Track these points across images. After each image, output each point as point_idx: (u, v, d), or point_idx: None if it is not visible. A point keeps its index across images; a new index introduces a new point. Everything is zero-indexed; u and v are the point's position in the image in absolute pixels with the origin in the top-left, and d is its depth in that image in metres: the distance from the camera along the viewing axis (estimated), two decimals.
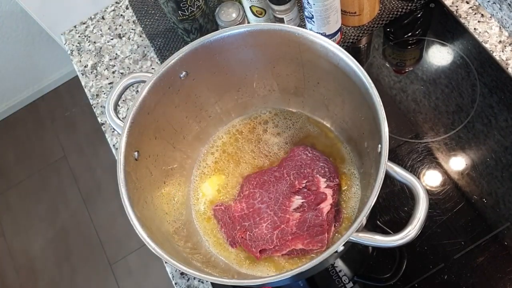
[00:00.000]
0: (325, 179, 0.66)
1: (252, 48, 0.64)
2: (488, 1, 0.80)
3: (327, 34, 0.78)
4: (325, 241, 0.63)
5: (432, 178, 0.71)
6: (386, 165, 0.51)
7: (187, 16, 0.80)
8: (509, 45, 0.78)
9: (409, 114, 0.77)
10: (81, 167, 2.01)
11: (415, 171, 0.72)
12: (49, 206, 1.93)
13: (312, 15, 0.74)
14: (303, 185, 0.67)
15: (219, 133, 0.76)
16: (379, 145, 0.52)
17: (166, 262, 0.64)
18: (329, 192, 0.66)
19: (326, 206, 0.65)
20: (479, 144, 0.72)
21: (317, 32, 0.65)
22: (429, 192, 0.69)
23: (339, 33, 0.80)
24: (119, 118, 0.63)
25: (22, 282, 1.81)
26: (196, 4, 0.79)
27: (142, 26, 0.96)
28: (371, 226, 0.69)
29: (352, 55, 0.57)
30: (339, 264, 0.68)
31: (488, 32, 0.80)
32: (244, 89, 0.73)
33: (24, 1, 1.60)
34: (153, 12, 0.96)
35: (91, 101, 0.93)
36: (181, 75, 0.64)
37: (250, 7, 0.83)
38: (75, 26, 1.02)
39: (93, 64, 0.96)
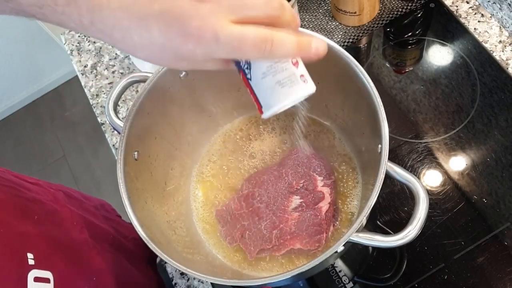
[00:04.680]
0: (322, 178, 0.66)
1: None
2: (488, 1, 0.80)
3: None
4: (323, 240, 0.63)
5: (432, 178, 0.71)
6: (386, 165, 0.51)
7: None
8: (509, 45, 0.78)
9: (409, 114, 0.77)
10: (81, 167, 2.01)
11: (415, 171, 0.72)
12: None
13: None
14: (301, 185, 0.67)
15: (219, 133, 0.76)
16: (379, 145, 0.52)
17: (166, 262, 0.64)
18: (326, 190, 0.66)
19: (324, 205, 0.65)
20: (479, 144, 0.72)
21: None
22: (429, 192, 0.69)
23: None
24: (119, 118, 0.63)
25: None
26: None
27: None
28: (371, 226, 0.69)
29: (352, 55, 0.57)
30: (339, 264, 0.68)
31: (488, 32, 0.80)
32: (244, 89, 0.72)
33: None
34: None
35: (91, 101, 0.93)
36: (181, 75, 0.64)
37: None
38: None
39: (93, 64, 0.96)
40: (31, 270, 0.50)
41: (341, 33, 0.86)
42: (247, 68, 0.41)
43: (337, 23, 0.86)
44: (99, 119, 0.91)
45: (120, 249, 0.72)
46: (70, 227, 0.64)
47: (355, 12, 0.82)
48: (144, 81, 0.63)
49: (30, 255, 0.51)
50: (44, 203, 0.63)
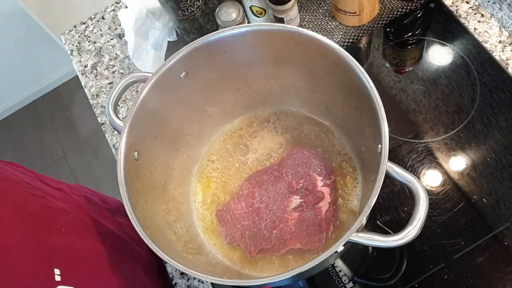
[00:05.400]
0: (321, 178, 0.67)
1: (252, 48, 0.64)
2: (488, 1, 0.80)
3: None
4: (323, 240, 0.63)
5: (432, 178, 0.71)
6: (386, 165, 0.51)
7: (187, 16, 0.80)
8: (509, 45, 0.78)
9: (409, 114, 0.77)
10: (81, 167, 2.01)
11: (415, 171, 0.72)
12: None
13: None
14: (301, 185, 0.67)
15: (219, 133, 0.76)
16: (379, 145, 0.52)
17: (166, 262, 0.64)
18: (326, 190, 0.66)
19: (324, 205, 0.65)
20: (479, 144, 0.72)
21: None
22: (429, 192, 0.69)
23: None
24: (119, 118, 0.63)
25: None
26: (196, 4, 0.79)
27: None
28: (371, 226, 0.69)
29: (352, 55, 0.57)
30: (339, 264, 0.68)
31: (488, 32, 0.80)
32: (244, 89, 0.73)
33: (24, 1, 1.60)
34: None
35: (91, 101, 0.93)
36: (181, 75, 0.64)
37: (250, 7, 0.83)
38: (75, 26, 1.02)
39: (93, 64, 0.96)
40: (57, 287, 0.50)
41: (341, 33, 0.86)
42: None
43: (337, 23, 0.86)
44: (99, 119, 0.91)
45: (136, 259, 0.72)
46: (93, 238, 0.63)
47: (355, 12, 0.82)
48: (144, 81, 0.63)
49: (57, 271, 0.51)
50: (70, 213, 0.62)
